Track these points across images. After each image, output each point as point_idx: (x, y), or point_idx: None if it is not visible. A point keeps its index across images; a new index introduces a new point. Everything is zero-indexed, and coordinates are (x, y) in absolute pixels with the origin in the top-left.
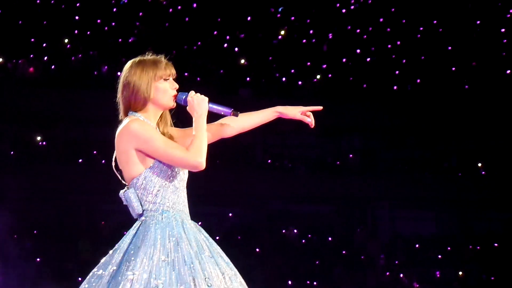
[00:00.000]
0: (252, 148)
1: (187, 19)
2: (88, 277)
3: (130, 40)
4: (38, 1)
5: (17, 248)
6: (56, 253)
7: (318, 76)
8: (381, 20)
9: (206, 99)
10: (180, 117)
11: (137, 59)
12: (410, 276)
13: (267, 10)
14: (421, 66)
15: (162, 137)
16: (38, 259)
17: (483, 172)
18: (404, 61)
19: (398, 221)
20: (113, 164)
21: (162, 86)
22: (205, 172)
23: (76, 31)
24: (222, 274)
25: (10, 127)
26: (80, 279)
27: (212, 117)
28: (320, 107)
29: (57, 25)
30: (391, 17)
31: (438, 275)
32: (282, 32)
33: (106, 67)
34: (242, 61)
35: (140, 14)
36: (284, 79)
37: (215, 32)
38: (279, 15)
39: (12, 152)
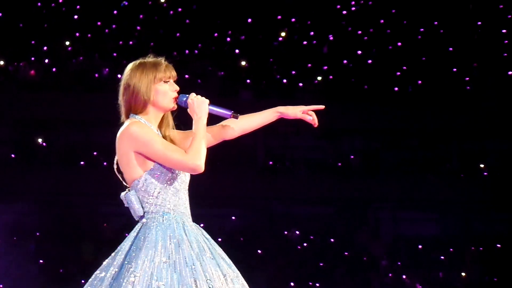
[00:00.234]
0: (253, 150)
1: (187, 21)
2: (90, 279)
3: (130, 43)
4: (39, 4)
5: (19, 251)
6: (58, 256)
7: (319, 78)
8: (382, 21)
9: (207, 101)
10: (182, 119)
11: (137, 61)
12: (412, 278)
13: (267, 12)
14: (422, 67)
15: (161, 140)
16: (40, 261)
17: (486, 173)
18: (405, 62)
19: (400, 222)
20: (115, 166)
21: (162, 88)
22: (206, 174)
23: (77, 34)
24: (224, 275)
25: (10, 130)
26: (83, 281)
27: (214, 119)
28: (322, 106)
29: (58, 27)
30: (392, 18)
31: (441, 277)
32: (283, 34)
33: (107, 69)
34: (243, 63)
35: (141, 16)
36: (285, 80)
37: (216, 34)
38: (279, 17)
39: (13, 155)
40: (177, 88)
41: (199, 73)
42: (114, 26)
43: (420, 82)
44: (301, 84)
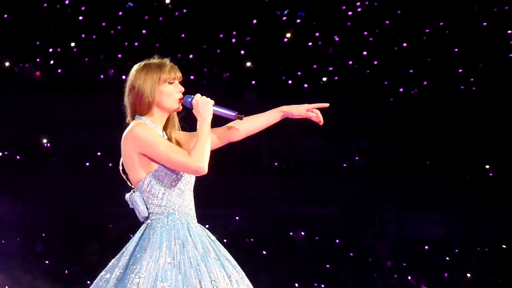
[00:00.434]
0: (259, 151)
1: (192, 22)
2: (96, 280)
3: (136, 44)
4: (45, 5)
5: (25, 251)
6: (64, 256)
7: (324, 79)
8: (387, 22)
9: (211, 102)
10: (188, 120)
11: (142, 62)
12: (418, 279)
13: (272, 13)
14: (427, 68)
15: (165, 142)
16: (46, 262)
17: (491, 174)
18: (410, 63)
19: (405, 223)
20: (120, 167)
21: (167, 90)
22: (212, 175)
23: (82, 35)
24: (229, 277)
25: (16, 131)
26: (88, 282)
27: (221, 121)
28: (327, 104)
29: (63, 29)
30: (397, 19)
31: (446, 277)
32: (288, 35)
33: (112, 71)
34: (248, 64)
35: (146, 17)
36: (290, 82)
37: (221, 35)
38: (284, 18)
39: (18, 157)
40: (182, 89)
41: (204, 74)
42: (119, 27)
43: (425, 83)
44: (306, 85)
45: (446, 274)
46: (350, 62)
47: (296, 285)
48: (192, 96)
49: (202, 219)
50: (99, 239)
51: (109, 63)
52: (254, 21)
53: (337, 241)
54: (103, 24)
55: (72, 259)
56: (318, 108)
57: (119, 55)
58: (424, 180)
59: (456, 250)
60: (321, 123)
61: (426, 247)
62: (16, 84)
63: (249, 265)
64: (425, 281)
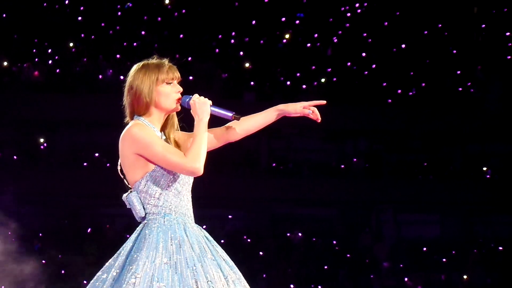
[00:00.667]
0: (257, 152)
1: (191, 23)
2: (92, 280)
3: (134, 44)
4: (44, 5)
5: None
6: (61, 256)
7: (323, 80)
8: (386, 23)
9: (209, 102)
10: (187, 120)
11: (141, 63)
12: (415, 280)
13: (271, 14)
14: (425, 70)
15: (161, 142)
16: (43, 261)
17: (488, 176)
18: (409, 64)
19: (402, 224)
20: (119, 168)
21: (164, 90)
22: (210, 175)
23: (81, 35)
24: (225, 277)
25: (14, 131)
26: (85, 282)
27: (219, 122)
28: (324, 102)
29: (62, 29)
30: (396, 21)
31: (443, 279)
32: (287, 36)
33: (110, 71)
34: (247, 65)
35: (145, 18)
36: (288, 83)
37: (220, 36)
38: (283, 19)
39: (15, 157)
40: (181, 89)
41: (203, 74)
42: (118, 27)
43: (423, 84)
44: (304, 86)
45: (443, 276)
46: (349, 63)
47: (292, 286)
48: (190, 96)
49: (199, 219)
50: (97, 239)
51: (108, 63)
52: (253, 22)
53: (334, 242)
54: (102, 24)
55: (69, 259)
56: (315, 106)
57: (118, 56)
58: (421, 181)
59: (453, 252)
60: (319, 121)
61: (424, 249)
62: (15, 84)
63: (247, 265)
64: (422, 282)
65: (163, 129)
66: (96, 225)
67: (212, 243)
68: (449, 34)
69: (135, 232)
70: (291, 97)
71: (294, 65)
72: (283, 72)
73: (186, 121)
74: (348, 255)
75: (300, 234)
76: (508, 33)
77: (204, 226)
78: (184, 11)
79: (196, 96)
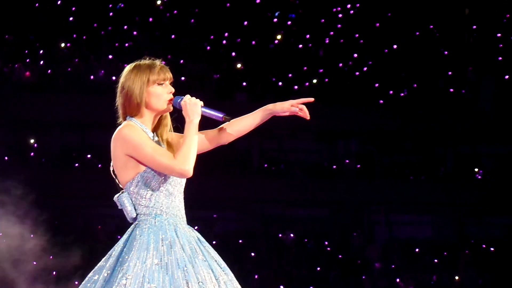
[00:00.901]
0: (249, 153)
1: (183, 24)
2: (84, 281)
3: (126, 45)
4: (36, 5)
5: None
6: (52, 257)
7: (315, 81)
8: (378, 24)
9: (199, 103)
10: (181, 121)
11: (133, 63)
12: (406, 281)
13: (263, 15)
14: (417, 71)
15: (151, 144)
16: (34, 263)
17: (479, 177)
18: (400, 65)
19: (394, 225)
20: (111, 168)
21: (155, 91)
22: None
23: (72, 36)
24: (217, 279)
25: (5, 131)
26: (76, 283)
27: (211, 123)
28: (312, 99)
29: (53, 29)
30: (388, 22)
31: (434, 280)
32: (279, 37)
33: (102, 71)
34: (239, 65)
35: (137, 18)
36: (280, 83)
37: (212, 37)
38: (275, 20)
39: (6, 158)
40: (172, 90)
41: (195, 75)
42: (110, 28)
43: (415, 85)
44: (296, 87)
45: (434, 277)
46: (341, 64)
47: (285, 286)
48: (182, 97)
49: (191, 220)
50: (88, 240)
51: (99, 64)
52: (245, 23)
53: (326, 242)
54: (94, 25)
55: (60, 260)
56: (303, 103)
57: (110, 56)
58: (413, 182)
59: (445, 253)
60: (308, 118)
61: (415, 249)
62: (6, 85)
63: (238, 266)
64: (414, 283)
65: (155, 130)
66: (88, 226)
67: (203, 244)
68: (440, 35)
69: (126, 233)
70: (283, 97)
71: (286, 66)
72: (275, 73)
73: (180, 121)
74: (340, 256)
75: (291, 235)
76: (499, 34)
77: (196, 227)
78: (176, 11)
79: (187, 97)
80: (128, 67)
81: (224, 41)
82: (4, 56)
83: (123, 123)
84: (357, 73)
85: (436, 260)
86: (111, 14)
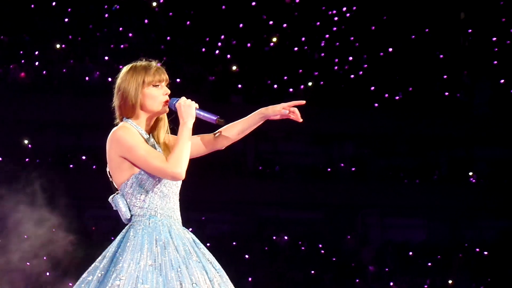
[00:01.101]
0: (244, 155)
1: (178, 26)
2: (78, 282)
3: (122, 46)
4: (31, 6)
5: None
6: (46, 258)
7: (310, 83)
8: (373, 28)
9: (194, 105)
10: (177, 123)
11: (130, 65)
12: (400, 284)
13: (259, 17)
14: (412, 74)
15: (144, 146)
16: (27, 264)
17: (474, 181)
18: (396, 69)
19: (388, 228)
20: (108, 170)
21: (151, 92)
22: (197, 178)
23: (68, 37)
24: (211, 280)
25: (0, 132)
26: (70, 284)
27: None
28: (303, 102)
29: (49, 30)
30: (383, 25)
31: (428, 283)
32: (274, 39)
33: (97, 73)
34: (234, 68)
35: (132, 20)
36: (275, 86)
37: (207, 39)
38: (271, 22)
39: (0, 159)
40: (168, 91)
41: (190, 77)
42: (105, 29)
43: (410, 88)
44: (291, 90)
45: (428, 280)
46: (336, 67)
47: None
48: (178, 98)
49: (185, 222)
50: (83, 241)
51: (95, 65)
52: (241, 25)
53: (320, 245)
54: (89, 26)
55: (53, 261)
56: (295, 106)
57: (105, 58)
58: (408, 185)
59: (439, 256)
60: (300, 121)
61: (409, 253)
62: (1, 85)
63: (232, 269)
64: (408, 286)
65: (152, 131)
66: (82, 227)
67: (198, 246)
68: (436, 38)
69: (120, 234)
70: (278, 100)
71: (281, 69)
72: (270, 76)
73: (176, 123)
74: (334, 259)
75: (286, 238)
76: (494, 38)
77: (190, 229)
78: (171, 13)
79: (183, 99)
80: (125, 68)
81: (220, 43)
82: None
83: (119, 125)
84: (352, 76)
85: (430, 264)
86: (106, 15)
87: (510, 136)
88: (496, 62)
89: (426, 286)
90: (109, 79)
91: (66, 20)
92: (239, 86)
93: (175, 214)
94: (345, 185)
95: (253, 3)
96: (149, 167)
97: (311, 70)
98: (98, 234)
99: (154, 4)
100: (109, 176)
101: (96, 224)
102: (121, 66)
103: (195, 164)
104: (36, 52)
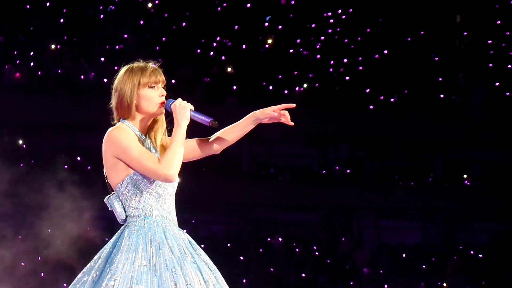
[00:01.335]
0: (239, 157)
1: (174, 27)
2: (73, 283)
3: (117, 47)
4: (27, 6)
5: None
6: (41, 259)
7: (305, 85)
8: (368, 30)
9: (189, 107)
10: (173, 124)
11: (128, 65)
12: (395, 286)
13: (254, 19)
14: (408, 76)
15: (138, 147)
16: (22, 264)
17: (468, 183)
18: (391, 71)
19: (383, 230)
20: (104, 170)
21: (146, 94)
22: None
23: (63, 37)
24: (206, 281)
25: None
26: (65, 284)
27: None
28: (293, 105)
29: (44, 31)
30: (379, 28)
31: (422, 286)
32: (270, 41)
33: (92, 73)
34: (229, 69)
35: (128, 21)
36: (271, 87)
37: (202, 40)
38: (266, 24)
39: None
40: (164, 93)
41: (186, 79)
42: (100, 30)
43: (406, 91)
44: (286, 91)
45: (423, 283)
46: (331, 69)
47: None
48: (173, 100)
49: (180, 223)
50: (78, 242)
51: (90, 66)
52: (236, 27)
53: (315, 247)
54: (84, 27)
55: (48, 262)
56: (285, 109)
57: (101, 59)
58: (402, 187)
59: (433, 258)
60: (290, 124)
61: (404, 255)
62: None
63: (227, 270)
64: None
65: (148, 132)
66: (77, 228)
67: (194, 247)
68: (431, 41)
69: (115, 234)
70: (274, 102)
71: (277, 70)
72: (265, 77)
73: (173, 124)
74: (329, 261)
75: (280, 239)
76: (490, 41)
77: (185, 230)
78: (167, 15)
79: (178, 100)
80: (122, 69)
81: (215, 45)
82: None
83: (115, 125)
84: (348, 78)
85: (424, 266)
86: (101, 16)
87: (504, 138)
88: (491, 65)
89: None
90: (105, 80)
91: (62, 20)
92: (235, 87)
93: (170, 215)
94: (340, 187)
95: (249, 5)
96: (142, 169)
97: (307, 72)
98: (92, 234)
99: (150, 5)
100: (105, 177)
101: (90, 225)
102: (116, 67)
103: (190, 165)
104: (32, 53)
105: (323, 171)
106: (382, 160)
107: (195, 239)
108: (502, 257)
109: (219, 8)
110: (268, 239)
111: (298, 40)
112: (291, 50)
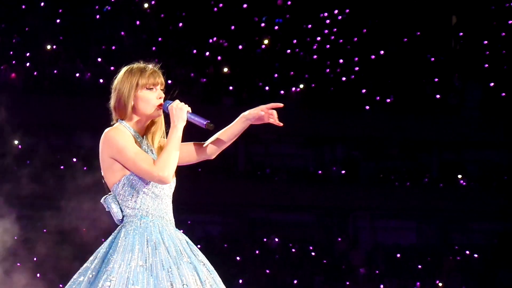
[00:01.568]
0: (235, 157)
1: (170, 27)
2: (69, 283)
3: (113, 48)
4: (22, 7)
5: None
6: (37, 260)
7: (301, 86)
8: (364, 31)
9: (186, 109)
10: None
11: (128, 66)
12: (390, 286)
13: (250, 19)
14: (404, 77)
15: (134, 148)
16: (18, 264)
17: (464, 184)
18: (387, 71)
19: (379, 231)
20: (101, 171)
21: (144, 95)
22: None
23: (59, 38)
24: (203, 281)
25: None
26: (61, 285)
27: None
28: (281, 104)
29: (40, 31)
30: (375, 28)
31: (418, 286)
32: (266, 42)
33: (88, 74)
34: (225, 70)
35: (124, 22)
36: (267, 88)
37: (199, 41)
38: (263, 25)
39: None
40: (162, 95)
41: (182, 79)
42: (96, 30)
43: (402, 91)
44: (282, 92)
45: (418, 283)
46: (327, 70)
47: None
48: (171, 101)
49: (177, 224)
50: (73, 243)
51: (86, 67)
52: (232, 27)
53: (311, 247)
54: (80, 27)
55: (44, 262)
56: (273, 108)
57: (98, 59)
58: (398, 188)
59: (429, 258)
60: (278, 124)
61: (399, 255)
62: None
63: (223, 270)
64: None
65: (146, 134)
66: (73, 228)
67: (191, 247)
68: (427, 42)
69: (112, 234)
70: (269, 102)
71: (273, 71)
72: (261, 78)
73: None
74: (325, 261)
75: (276, 240)
76: (485, 42)
77: (182, 231)
78: (163, 15)
79: (176, 102)
80: (122, 69)
81: (211, 45)
82: None
83: (112, 126)
84: (344, 78)
85: (420, 266)
86: (98, 16)
87: (500, 139)
88: (487, 65)
89: None
90: (101, 80)
91: (58, 21)
92: (231, 88)
93: (167, 215)
94: (336, 187)
95: (245, 6)
96: (136, 170)
97: (303, 72)
98: (88, 235)
99: (146, 5)
100: (102, 177)
101: (87, 226)
102: (112, 68)
103: (186, 166)
104: (27, 53)
105: (319, 172)
106: (378, 160)
107: (191, 240)
108: (498, 257)
109: (215, 9)
110: (264, 240)
111: (295, 41)
112: (288, 51)
